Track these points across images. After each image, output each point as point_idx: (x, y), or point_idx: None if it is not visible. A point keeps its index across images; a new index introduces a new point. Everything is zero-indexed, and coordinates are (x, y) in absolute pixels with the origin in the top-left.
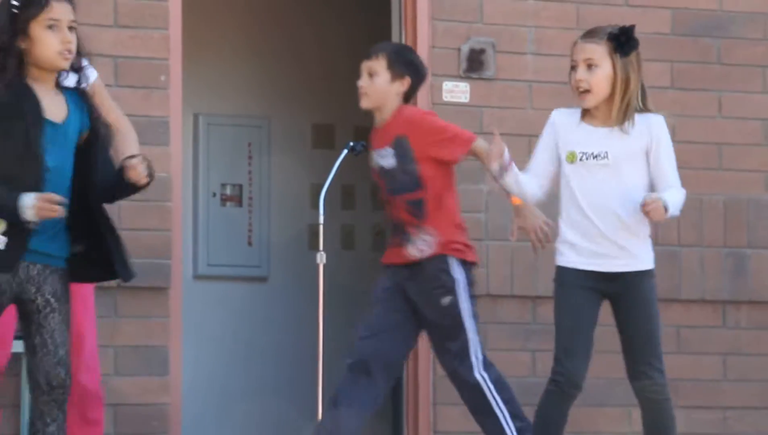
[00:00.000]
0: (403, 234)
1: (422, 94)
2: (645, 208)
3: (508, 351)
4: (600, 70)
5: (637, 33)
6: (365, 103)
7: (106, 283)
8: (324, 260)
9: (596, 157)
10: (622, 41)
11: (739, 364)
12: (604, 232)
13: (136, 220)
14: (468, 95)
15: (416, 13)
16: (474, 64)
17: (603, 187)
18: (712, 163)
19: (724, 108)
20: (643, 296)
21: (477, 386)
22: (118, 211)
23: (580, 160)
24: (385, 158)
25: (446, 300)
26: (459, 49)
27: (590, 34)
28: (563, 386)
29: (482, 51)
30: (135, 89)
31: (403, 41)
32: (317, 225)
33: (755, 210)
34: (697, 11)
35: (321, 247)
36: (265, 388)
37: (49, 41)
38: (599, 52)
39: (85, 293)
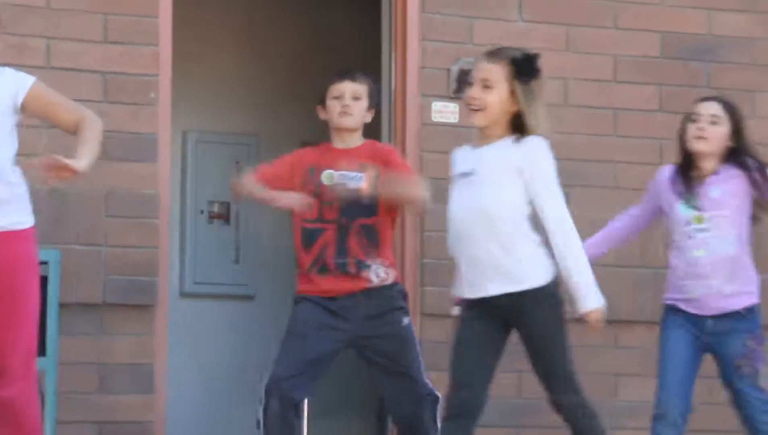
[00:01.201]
0: (357, 261)
1: (411, 114)
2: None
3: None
4: (494, 92)
5: (626, 55)
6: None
7: (92, 301)
8: None
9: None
10: (523, 67)
11: None
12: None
13: (122, 237)
14: (457, 115)
15: (406, 33)
16: (463, 84)
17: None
18: None
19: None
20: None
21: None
22: (105, 228)
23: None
24: (352, 181)
25: (406, 320)
26: (448, 70)
27: (492, 54)
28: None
29: (471, 72)
30: (124, 105)
31: (393, 62)
32: None
33: None
34: (685, 35)
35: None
36: (250, 406)
37: None
38: (496, 73)
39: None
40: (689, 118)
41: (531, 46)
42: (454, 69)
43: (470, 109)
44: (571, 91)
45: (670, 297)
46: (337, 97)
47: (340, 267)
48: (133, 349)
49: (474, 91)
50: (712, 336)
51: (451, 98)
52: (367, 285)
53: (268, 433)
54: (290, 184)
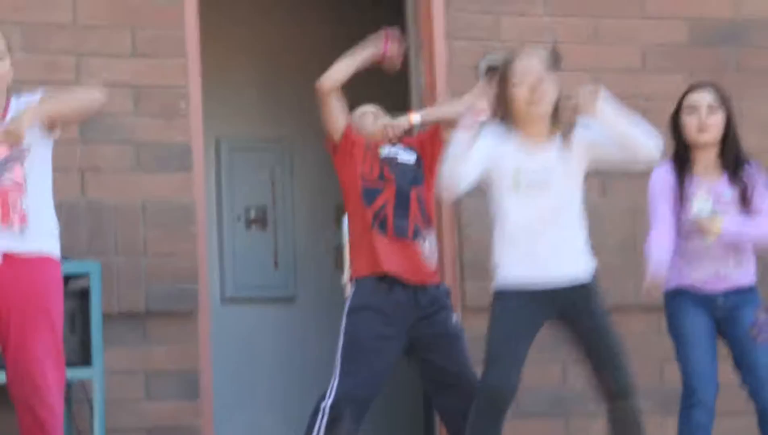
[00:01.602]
0: (416, 227)
1: None
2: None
3: (540, 363)
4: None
5: (654, 44)
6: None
7: (135, 310)
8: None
9: None
10: (556, 59)
11: None
12: None
13: (161, 246)
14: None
15: (432, 32)
16: (491, 79)
17: None
18: None
19: (744, 115)
20: None
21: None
22: (144, 238)
23: None
24: (403, 153)
25: (455, 318)
26: (477, 67)
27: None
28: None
29: (498, 67)
30: (156, 117)
31: (420, 60)
32: (342, 245)
33: None
34: (713, 20)
35: (346, 267)
36: (296, 407)
37: None
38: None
39: (48, 318)
40: (681, 105)
41: (557, 41)
42: (482, 65)
43: (538, 99)
44: (599, 83)
45: (677, 282)
46: None
47: (399, 230)
48: (177, 355)
49: (537, 87)
50: (723, 311)
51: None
52: (427, 281)
53: None
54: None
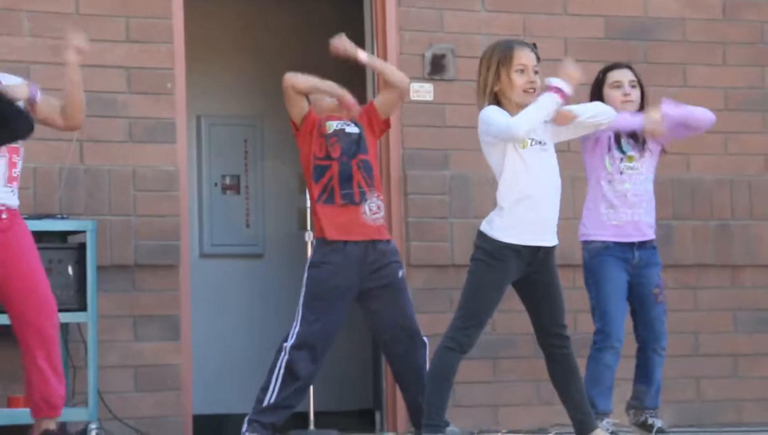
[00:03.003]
0: (360, 193)
1: None
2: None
3: None
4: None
5: (575, 38)
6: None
7: (125, 263)
8: (312, 238)
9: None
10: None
11: None
12: None
13: (149, 208)
14: (432, 94)
15: (386, 25)
16: (436, 67)
17: None
18: None
19: (650, 102)
20: None
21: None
22: (134, 201)
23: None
24: (349, 126)
25: (401, 272)
26: (423, 55)
27: (532, 46)
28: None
29: (443, 56)
30: (146, 95)
31: (375, 50)
32: (305, 208)
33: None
34: (625, 18)
35: (309, 227)
36: (263, 349)
37: None
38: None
39: (29, 244)
40: (605, 81)
41: (493, 32)
42: (428, 54)
43: (530, 93)
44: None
45: (599, 233)
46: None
47: (346, 197)
48: (161, 302)
49: (535, 78)
50: (636, 269)
51: (426, 79)
52: (375, 237)
53: (298, 381)
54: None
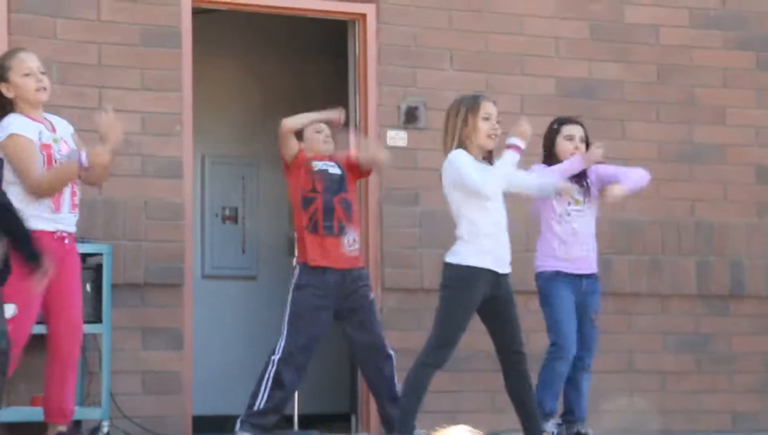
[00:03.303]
0: (339, 226)
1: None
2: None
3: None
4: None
5: (530, 94)
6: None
7: (136, 282)
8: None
9: None
10: None
11: None
12: None
13: (158, 234)
14: (405, 141)
15: (367, 79)
16: (410, 117)
17: None
18: None
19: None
20: None
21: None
22: (145, 228)
23: None
24: (332, 167)
25: (372, 295)
26: (399, 107)
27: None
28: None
29: (416, 108)
30: (157, 136)
31: (358, 101)
32: (293, 238)
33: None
34: (574, 79)
35: (296, 253)
36: (255, 358)
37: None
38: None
39: (79, 270)
40: (559, 132)
41: (459, 88)
42: (403, 106)
43: (492, 138)
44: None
45: (552, 264)
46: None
47: (327, 229)
48: (166, 316)
49: (497, 127)
50: (582, 296)
51: (401, 127)
52: (351, 265)
53: (284, 390)
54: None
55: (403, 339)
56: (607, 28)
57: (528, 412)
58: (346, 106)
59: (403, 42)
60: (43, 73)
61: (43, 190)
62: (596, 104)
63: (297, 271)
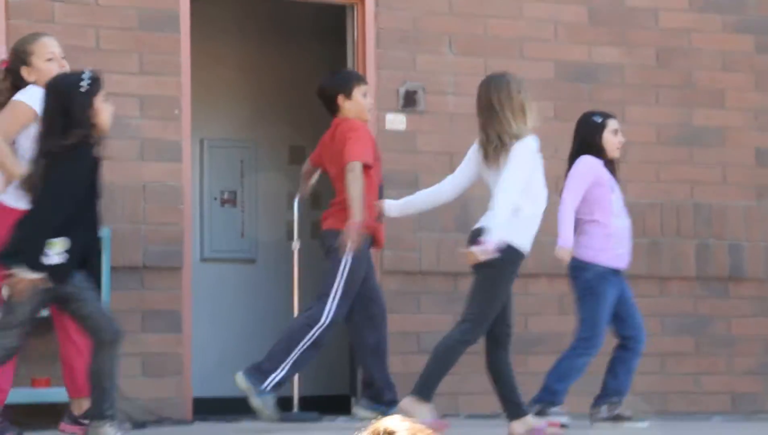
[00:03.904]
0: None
1: (371, 123)
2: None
3: (436, 313)
4: None
5: (529, 79)
6: None
7: (135, 264)
8: (298, 247)
9: None
10: None
11: None
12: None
13: (157, 218)
14: (404, 124)
15: (366, 63)
16: (409, 101)
17: None
18: None
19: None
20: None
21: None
22: (144, 211)
23: None
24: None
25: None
26: (398, 91)
27: None
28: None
29: (415, 92)
30: (156, 120)
31: None
32: (292, 221)
33: None
34: (573, 62)
35: (295, 237)
36: (254, 339)
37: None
38: None
39: None
40: (605, 127)
41: (458, 72)
42: (402, 90)
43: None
44: None
45: (604, 258)
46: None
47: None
48: (165, 299)
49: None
50: (621, 287)
51: (400, 111)
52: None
53: (316, 352)
54: None
55: (403, 322)
56: (606, 12)
57: (508, 388)
58: None
59: (401, 26)
60: (63, 58)
61: None
62: (596, 88)
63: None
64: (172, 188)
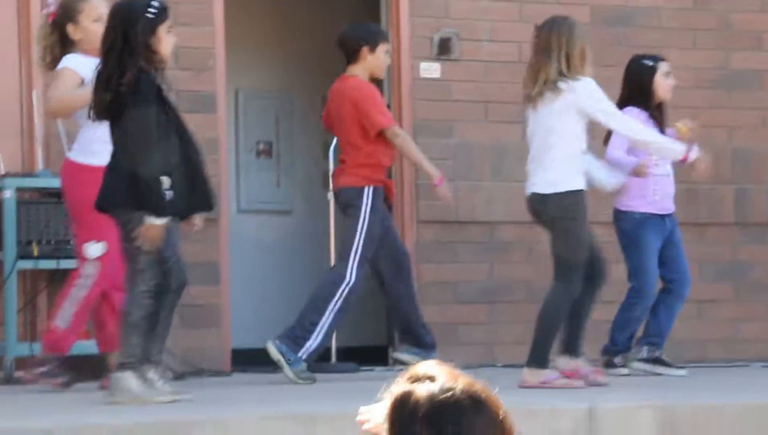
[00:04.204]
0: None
1: (405, 72)
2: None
3: (472, 263)
4: None
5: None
6: None
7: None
8: (333, 197)
9: None
10: None
11: None
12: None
13: None
14: (439, 72)
15: (399, 11)
16: (443, 49)
17: None
18: None
19: None
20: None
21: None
22: None
23: None
24: None
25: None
26: (432, 38)
27: None
28: None
29: (449, 39)
30: (190, 71)
31: (390, 33)
32: (327, 171)
33: None
34: (609, 6)
35: (331, 187)
36: (291, 290)
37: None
38: None
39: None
40: (657, 70)
41: (492, 18)
42: (436, 37)
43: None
44: (524, 53)
45: (642, 205)
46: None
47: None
48: (203, 251)
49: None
50: (668, 233)
51: (434, 59)
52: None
53: (348, 309)
54: None
55: (440, 271)
56: None
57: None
58: None
59: None
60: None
61: (50, 107)
62: (632, 32)
63: (368, 192)
64: (209, 140)
